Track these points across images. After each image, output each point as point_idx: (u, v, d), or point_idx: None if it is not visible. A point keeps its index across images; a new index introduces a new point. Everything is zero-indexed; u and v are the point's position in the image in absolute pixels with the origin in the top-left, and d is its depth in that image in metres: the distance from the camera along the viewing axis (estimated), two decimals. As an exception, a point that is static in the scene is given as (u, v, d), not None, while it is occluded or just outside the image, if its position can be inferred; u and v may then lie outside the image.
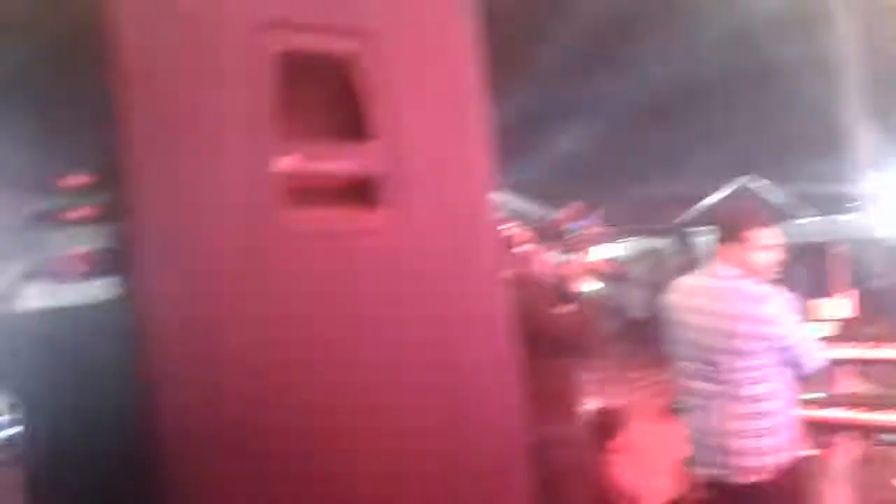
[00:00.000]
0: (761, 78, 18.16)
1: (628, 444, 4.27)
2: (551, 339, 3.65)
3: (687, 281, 3.15)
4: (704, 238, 26.58)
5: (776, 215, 24.32)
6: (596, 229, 4.05)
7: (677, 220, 20.93)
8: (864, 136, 13.01)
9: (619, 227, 22.80)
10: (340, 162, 1.24)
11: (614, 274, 4.02)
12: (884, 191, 14.34)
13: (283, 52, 1.16)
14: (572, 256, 3.81)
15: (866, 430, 3.55)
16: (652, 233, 23.05)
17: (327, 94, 1.28)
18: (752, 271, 2.94)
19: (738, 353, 2.85)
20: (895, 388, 3.79)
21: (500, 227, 4.00)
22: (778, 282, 3.23)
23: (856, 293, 3.98)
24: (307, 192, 1.19)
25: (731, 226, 3.01)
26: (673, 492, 3.73)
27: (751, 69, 17.75)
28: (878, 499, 3.58)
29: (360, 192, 1.26)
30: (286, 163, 1.14)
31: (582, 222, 4.24)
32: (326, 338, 1.13)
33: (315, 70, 1.25)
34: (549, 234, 3.96)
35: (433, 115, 1.31)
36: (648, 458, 4.21)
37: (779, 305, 2.83)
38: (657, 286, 3.68)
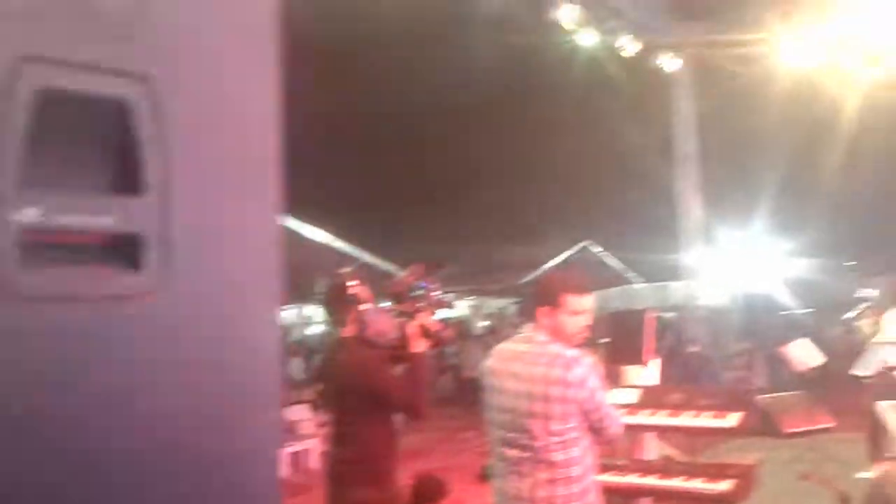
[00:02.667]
0: (603, 153, 19.34)
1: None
2: (382, 400, 3.60)
3: (504, 346, 3.19)
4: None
5: (611, 280, 25.68)
6: (437, 291, 4.07)
7: (520, 281, 21.69)
8: (692, 212, 13.99)
9: (463, 287, 23.43)
10: (98, 217, 1.11)
11: (447, 337, 4.04)
12: (708, 263, 15.46)
13: (37, 91, 1.03)
14: (412, 317, 3.80)
15: (666, 497, 3.69)
16: (495, 293, 23.76)
17: (91, 142, 1.15)
18: (563, 336, 3.02)
19: (549, 418, 2.89)
20: (694, 455, 3.98)
21: (344, 285, 3.95)
22: (589, 347, 3.33)
23: (659, 361, 4.17)
24: (53, 248, 1.05)
25: (548, 291, 3.09)
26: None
27: (594, 145, 18.87)
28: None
29: (121, 252, 1.14)
30: (27, 215, 1.00)
31: (424, 283, 4.26)
32: (58, 413, 0.99)
33: (79, 114, 1.13)
34: (391, 293, 3.95)
35: (217, 171, 1.21)
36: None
37: (586, 369, 2.91)
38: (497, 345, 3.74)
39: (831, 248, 19.28)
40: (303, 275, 18.87)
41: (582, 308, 3.09)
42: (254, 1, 1.23)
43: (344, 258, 15.19)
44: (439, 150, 21.91)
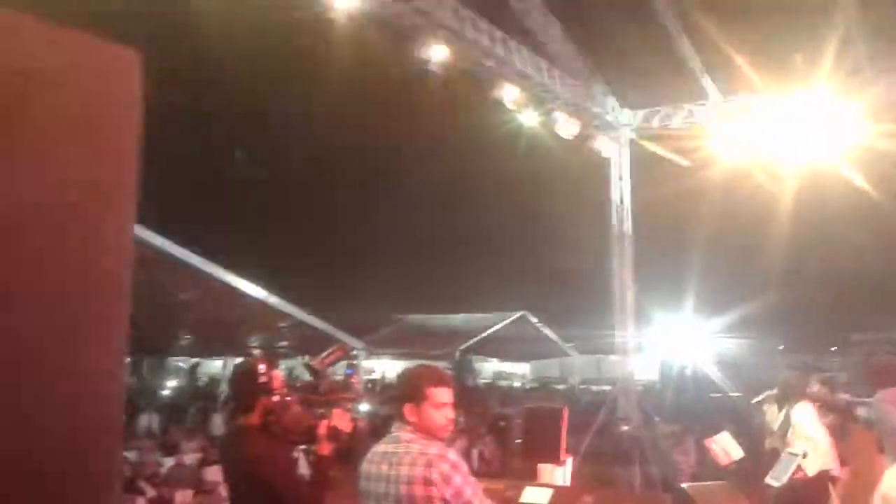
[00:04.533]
0: (542, 228, 19.78)
1: None
2: (282, 500, 3.47)
3: (376, 448, 3.14)
4: (481, 365, 27.67)
5: (547, 351, 25.83)
6: (356, 384, 3.99)
7: (460, 347, 21.66)
8: (626, 289, 14.19)
9: (400, 350, 23.28)
10: None
11: (359, 435, 3.93)
12: (641, 340, 15.67)
13: None
14: (326, 411, 3.70)
15: None
16: (432, 357, 23.67)
17: None
18: (431, 430, 2.99)
19: None
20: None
21: (255, 371, 3.81)
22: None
23: (572, 460, 4.13)
24: None
25: (411, 386, 3.06)
26: None
27: (533, 220, 19.27)
28: None
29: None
30: None
31: (349, 370, 4.17)
32: None
33: None
34: (311, 371, 3.82)
35: (41, 323, 1.15)
36: None
37: (449, 466, 2.87)
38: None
39: (761, 329, 19.75)
40: (237, 330, 18.59)
41: (445, 400, 3.08)
42: (95, 154, 1.21)
43: (279, 315, 14.92)
44: (382, 215, 22.06)
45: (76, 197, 1.25)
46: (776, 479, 5.97)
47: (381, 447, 3.14)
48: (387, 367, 30.24)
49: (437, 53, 9.84)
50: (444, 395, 3.09)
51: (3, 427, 1.10)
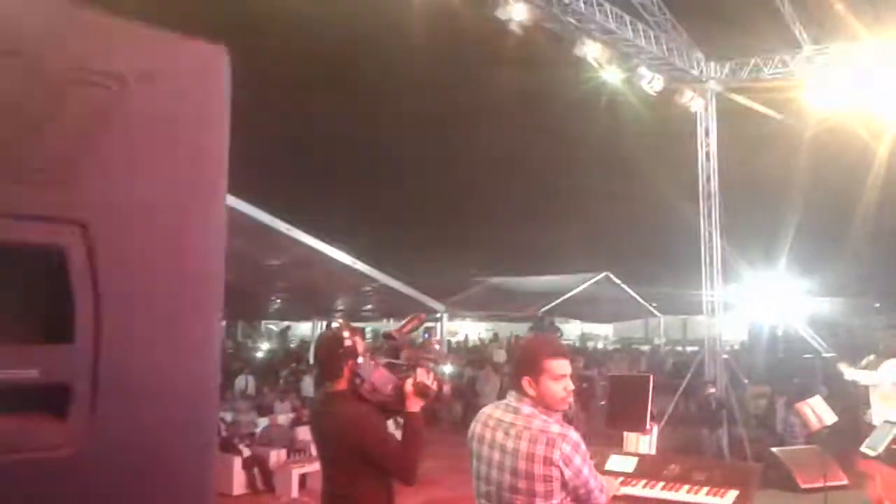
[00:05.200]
0: (627, 187, 19.31)
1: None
2: (375, 461, 3.54)
3: (491, 412, 3.14)
4: (564, 327, 27.54)
5: (631, 311, 25.44)
6: (435, 345, 4.03)
7: (543, 309, 21.57)
8: (714, 249, 13.84)
9: (482, 312, 23.39)
10: (18, 367, 1.11)
11: (445, 395, 3.96)
12: (729, 300, 15.28)
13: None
14: (410, 372, 3.75)
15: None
16: (514, 319, 23.69)
17: (18, 290, 1.15)
18: (549, 402, 2.98)
19: (533, 495, 2.85)
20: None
21: (338, 337, 3.90)
22: (591, 414, 3.27)
23: (657, 428, 4.07)
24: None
25: (528, 359, 3.04)
26: None
27: (618, 179, 18.84)
28: None
29: (46, 401, 1.13)
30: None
31: (426, 333, 4.21)
32: None
33: (9, 264, 1.13)
34: (389, 343, 3.87)
35: (147, 313, 1.21)
36: None
37: (571, 447, 2.87)
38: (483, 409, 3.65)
39: (856, 288, 18.95)
40: (324, 294, 19.05)
41: (563, 371, 3.05)
42: (191, 153, 1.24)
43: (364, 279, 15.19)
44: (464, 177, 22.01)
45: (174, 195, 1.29)
46: (872, 447, 5.77)
47: (496, 412, 3.13)
48: (469, 329, 30.48)
49: (518, 12, 9.70)
50: (562, 366, 3.06)
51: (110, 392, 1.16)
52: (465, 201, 22.80)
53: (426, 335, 4.14)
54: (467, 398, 15.36)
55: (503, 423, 3.05)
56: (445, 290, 19.35)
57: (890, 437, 5.75)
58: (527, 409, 3.02)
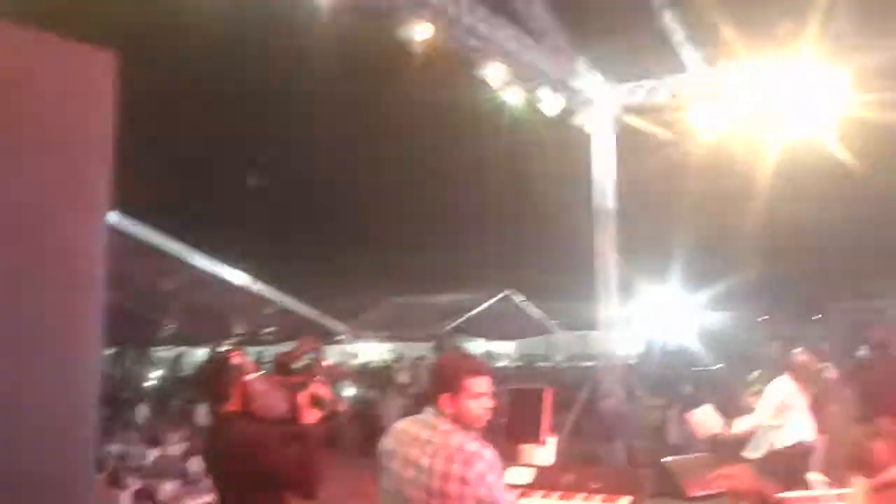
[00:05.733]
0: (527, 206, 19.71)
1: None
2: (273, 479, 3.46)
3: (405, 426, 3.10)
4: (467, 345, 27.77)
5: (532, 328, 25.91)
6: (326, 362, 3.98)
7: (446, 328, 21.67)
8: (609, 265, 14.23)
9: (383, 333, 23.28)
10: None
11: (340, 410, 3.91)
12: (625, 315, 15.74)
13: None
14: (303, 387, 3.69)
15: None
16: (417, 339, 23.71)
17: None
18: (467, 420, 2.97)
19: None
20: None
21: (225, 357, 3.80)
22: (490, 429, 3.27)
23: (555, 439, 4.14)
24: None
25: (447, 376, 3.03)
26: None
27: (518, 197, 19.19)
28: None
29: None
30: None
31: (314, 354, 4.16)
32: None
33: None
34: (278, 365, 3.83)
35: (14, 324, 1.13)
36: None
37: (486, 465, 2.86)
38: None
39: (742, 302, 19.89)
40: (221, 318, 18.51)
41: (483, 390, 3.05)
42: (70, 155, 1.18)
43: (264, 301, 14.88)
44: (366, 198, 21.94)
45: (51, 196, 1.23)
46: (754, 450, 6.05)
47: (412, 427, 3.09)
48: (372, 351, 30.26)
49: (421, 32, 9.75)
50: (482, 384, 3.05)
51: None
52: (367, 221, 22.71)
53: (314, 354, 4.08)
54: (370, 421, 15.19)
55: (419, 439, 3.01)
56: (347, 311, 19.17)
57: (770, 440, 6.04)
58: (444, 425, 2.99)
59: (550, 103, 12.19)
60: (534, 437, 4.11)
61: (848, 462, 1.96)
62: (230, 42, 14.00)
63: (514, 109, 12.35)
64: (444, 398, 3.01)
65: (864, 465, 1.82)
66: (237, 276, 13.08)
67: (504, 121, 12.74)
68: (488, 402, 3.07)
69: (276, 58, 14.44)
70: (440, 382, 3.08)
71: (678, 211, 16.34)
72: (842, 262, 16.09)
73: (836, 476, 3.75)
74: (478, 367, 3.12)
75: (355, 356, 26.48)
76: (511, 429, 4.25)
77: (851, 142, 11.35)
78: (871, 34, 10.66)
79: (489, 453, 2.93)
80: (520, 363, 29.47)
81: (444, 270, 22.10)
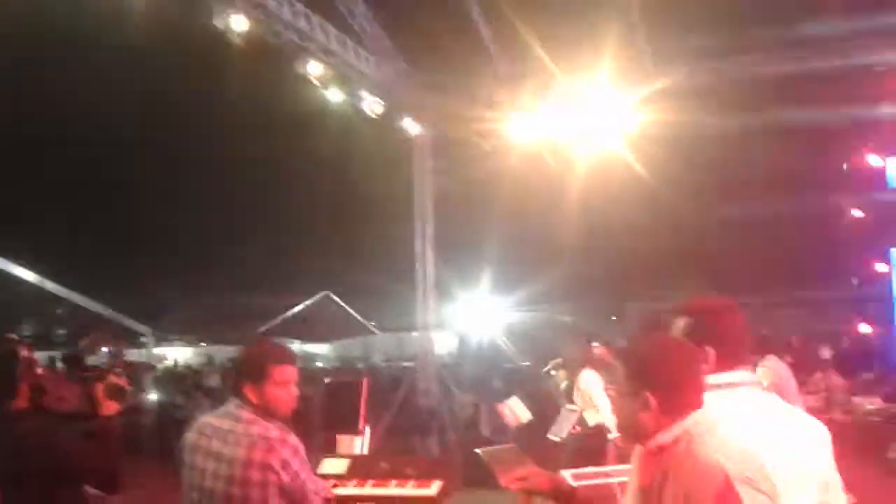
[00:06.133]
0: (346, 207, 19.71)
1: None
2: (69, 474, 3.28)
3: (208, 420, 3.04)
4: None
5: (351, 329, 25.97)
6: (121, 355, 3.84)
7: (260, 329, 21.17)
8: (428, 267, 14.58)
9: (194, 335, 22.37)
10: None
11: (134, 397, 3.79)
12: (441, 316, 16.19)
13: None
14: (98, 379, 3.52)
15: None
16: (229, 341, 22.99)
17: None
18: (272, 409, 2.96)
19: (246, 500, 2.81)
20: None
21: (12, 351, 3.54)
22: (304, 420, 3.29)
23: (369, 430, 4.23)
24: None
25: (252, 364, 3.01)
26: None
27: (337, 199, 19.16)
28: None
29: None
30: None
31: (109, 350, 4.00)
32: None
33: None
34: (69, 360, 3.65)
35: None
36: None
37: (289, 452, 2.87)
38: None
39: (547, 303, 21.05)
40: (6, 316, 16.95)
41: (289, 378, 3.05)
42: None
43: (55, 300, 13.83)
44: (174, 197, 20.96)
45: None
46: (557, 434, 6.49)
47: (213, 421, 3.03)
48: (181, 354, 28.94)
49: (237, 23, 9.53)
50: (288, 372, 3.03)
51: None
52: (173, 219, 21.71)
53: (109, 352, 3.94)
54: (176, 426, 14.54)
55: (221, 430, 2.97)
56: (153, 312, 18.24)
57: (571, 423, 6.50)
58: (247, 414, 2.96)
59: (371, 105, 12.31)
60: (349, 427, 4.17)
61: (621, 432, 2.18)
62: (32, 36, 12.95)
63: (337, 109, 12.36)
64: (249, 387, 2.99)
65: (634, 434, 2.03)
66: (23, 273, 12.09)
67: (327, 121, 12.71)
68: (294, 391, 3.08)
69: (89, 50, 13.50)
70: (244, 371, 3.05)
71: (494, 217, 17.04)
72: (639, 265, 17.47)
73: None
74: (283, 355, 3.13)
75: (162, 359, 25.20)
76: (327, 419, 4.29)
77: (645, 156, 12.40)
78: (662, 60, 11.75)
79: (293, 440, 2.94)
80: (337, 364, 29.37)
81: (259, 270, 21.61)
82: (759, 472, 1.83)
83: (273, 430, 2.93)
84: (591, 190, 14.26)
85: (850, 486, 2.27)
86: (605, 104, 11.96)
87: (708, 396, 2.14)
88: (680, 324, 2.31)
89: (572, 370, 7.24)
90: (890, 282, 13.65)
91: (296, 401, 3.10)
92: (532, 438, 8.65)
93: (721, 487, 1.77)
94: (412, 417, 12.89)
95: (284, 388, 3.04)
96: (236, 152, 18.14)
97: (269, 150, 17.88)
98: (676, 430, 1.92)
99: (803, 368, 8.27)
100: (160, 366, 23.77)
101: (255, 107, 15.41)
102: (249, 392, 3.00)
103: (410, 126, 13.74)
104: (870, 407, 11.27)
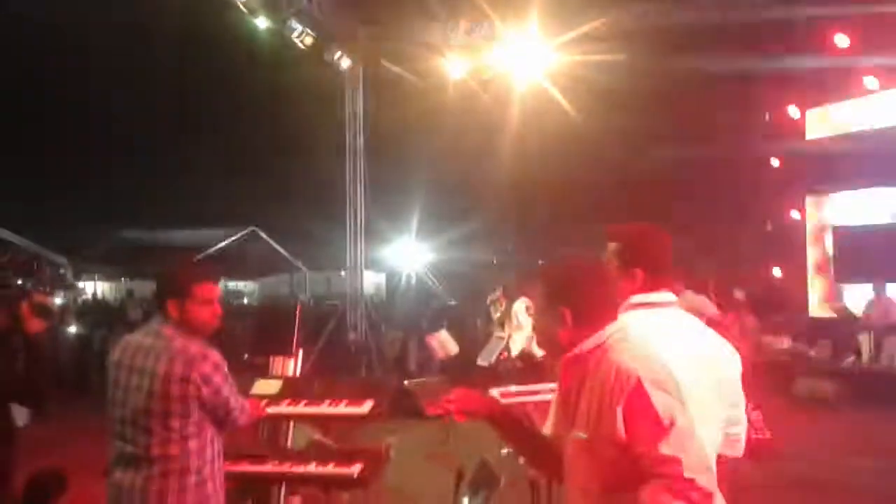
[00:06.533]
0: (274, 141, 19.26)
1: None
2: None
3: (131, 338, 3.02)
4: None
5: (278, 266, 25.70)
6: (45, 280, 3.76)
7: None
8: (358, 205, 14.45)
9: (118, 268, 21.76)
10: None
11: (51, 311, 3.72)
12: (370, 254, 16.18)
13: None
14: (23, 300, 3.45)
15: (301, 482, 3.81)
16: (150, 276, 22.42)
17: None
18: (194, 326, 2.96)
19: (168, 414, 2.82)
20: (333, 442, 4.14)
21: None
22: (224, 338, 3.30)
23: (301, 352, 4.26)
24: None
25: (175, 281, 3.00)
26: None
27: (266, 132, 18.72)
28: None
29: None
30: None
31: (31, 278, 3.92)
32: None
33: None
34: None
35: None
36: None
37: (210, 366, 2.89)
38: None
39: (476, 243, 21.20)
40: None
41: (211, 296, 3.05)
42: None
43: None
44: (95, 130, 20.13)
45: None
46: (485, 359, 6.67)
47: (136, 338, 3.02)
48: (103, 287, 28.15)
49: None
50: (210, 290, 3.04)
51: None
52: (98, 154, 20.88)
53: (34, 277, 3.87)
54: (98, 359, 14.25)
55: (143, 346, 2.97)
56: (72, 245, 17.66)
57: (499, 350, 6.69)
58: (169, 331, 2.97)
59: (301, 36, 12.00)
60: (282, 350, 4.19)
61: (544, 347, 2.27)
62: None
63: (265, 39, 12.02)
64: (172, 304, 2.99)
65: (555, 347, 2.13)
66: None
67: (255, 51, 12.36)
68: (216, 309, 3.08)
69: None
70: (167, 288, 3.04)
71: (426, 155, 16.98)
72: (568, 208, 17.68)
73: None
74: (205, 273, 3.12)
75: (81, 292, 24.52)
76: (260, 342, 4.30)
77: (573, 95, 12.54)
78: (590, 3, 11.83)
79: (215, 356, 2.96)
80: (263, 302, 29.06)
81: (183, 205, 21.05)
82: (668, 377, 1.94)
83: (194, 346, 2.94)
84: (522, 131, 14.36)
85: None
86: (534, 45, 12.00)
87: (634, 313, 2.25)
88: (611, 247, 2.40)
89: (510, 300, 7.44)
90: (803, 228, 14.29)
91: (218, 319, 3.10)
92: (460, 372, 8.86)
93: (632, 388, 1.89)
94: (340, 354, 12.97)
95: (207, 305, 3.04)
96: (160, 83, 17.48)
97: (193, 82, 17.30)
98: (593, 340, 2.03)
99: (718, 309, 8.67)
100: (80, 299, 23.15)
101: (179, 34, 14.83)
102: (172, 309, 2.99)
103: (342, 60, 13.46)
104: (779, 346, 11.93)
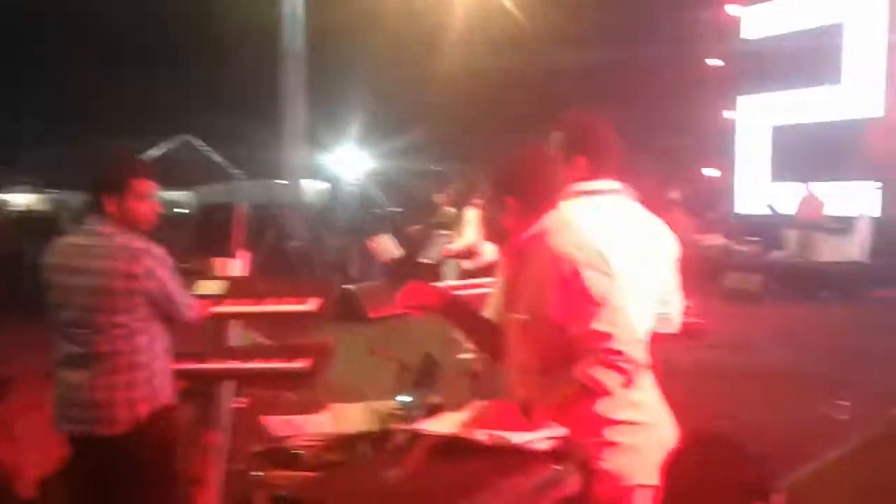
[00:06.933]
0: (205, 44, 18.44)
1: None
2: None
3: (66, 240, 2.96)
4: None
5: (214, 175, 25.18)
6: None
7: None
8: (297, 111, 14.10)
9: (46, 179, 20.93)
10: None
11: None
12: (310, 162, 15.95)
13: None
14: None
15: (248, 379, 3.84)
16: (81, 188, 21.68)
17: None
18: (133, 222, 2.91)
19: (114, 311, 2.80)
20: (274, 340, 4.17)
21: None
22: (177, 242, 3.25)
23: (249, 254, 4.21)
24: None
25: (112, 177, 2.92)
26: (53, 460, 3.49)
27: (196, 34, 17.87)
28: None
29: None
30: None
31: None
32: None
33: None
34: None
35: None
36: (24, 427, 3.89)
37: (153, 260, 2.86)
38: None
39: (416, 153, 21.08)
40: None
41: (149, 191, 2.99)
42: None
43: None
44: (25, 38, 18.99)
45: None
46: (428, 256, 6.77)
47: (70, 239, 2.95)
48: (31, 200, 27.18)
49: None
50: (147, 185, 2.96)
51: None
52: (25, 61, 19.77)
53: None
54: (31, 271, 13.90)
55: (79, 246, 2.91)
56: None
57: (442, 245, 6.77)
58: (108, 228, 2.91)
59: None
60: (225, 250, 4.14)
61: (490, 239, 2.32)
62: None
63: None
64: (109, 200, 2.92)
65: (500, 236, 2.18)
66: None
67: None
68: (155, 204, 3.03)
69: None
70: (104, 183, 2.96)
71: (370, 62, 16.57)
72: (510, 114, 17.57)
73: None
74: (143, 167, 3.06)
75: (5, 204, 23.65)
76: (202, 243, 4.24)
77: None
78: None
79: (157, 250, 2.93)
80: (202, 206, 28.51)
81: (114, 113, 20.25)
82: (602, 260, 2.02)
83: (137, 241, 2.90)
84: (467, 36, 14.10)
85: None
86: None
87: (576, 201, 2.30)
88: (555, 136, 2.43)
89: (458, 207, 7.44)
90: (734, 128, 14.57)
91: (157, 215, 3.05)
92: (403, 276, 8.96)
93: (569, 273, 1.98)
94: (282, 261, 12.91)
95: (145, 200, 2.98)
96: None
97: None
98: (535, 228, 2.09)
99: (653, 208, 8.83)
100: (7, 210, 22.35)
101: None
102: (109, 205, 2.92)
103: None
104: (712, 243, 12.36)
